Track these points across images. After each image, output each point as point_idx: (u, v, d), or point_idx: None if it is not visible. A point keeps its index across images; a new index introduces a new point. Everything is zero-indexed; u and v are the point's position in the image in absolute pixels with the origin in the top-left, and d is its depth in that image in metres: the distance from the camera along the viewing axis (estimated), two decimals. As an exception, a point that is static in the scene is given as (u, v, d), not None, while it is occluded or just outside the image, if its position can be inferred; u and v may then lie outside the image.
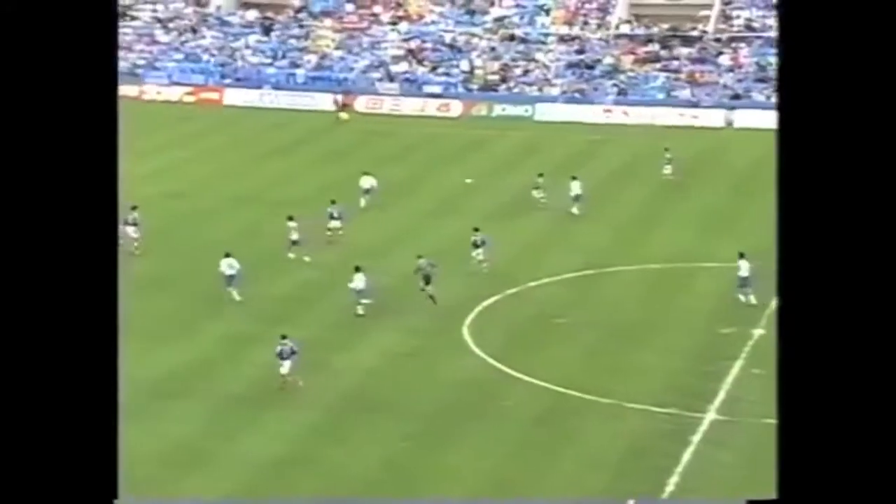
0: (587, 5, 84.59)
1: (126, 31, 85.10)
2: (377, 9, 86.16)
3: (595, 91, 77.12)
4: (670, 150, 58.34)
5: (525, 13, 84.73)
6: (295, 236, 45.58)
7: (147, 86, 79.37)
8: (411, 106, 76.27)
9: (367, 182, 53.77)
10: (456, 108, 76.02)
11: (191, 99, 78.61)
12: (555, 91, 77.49)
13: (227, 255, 41.72)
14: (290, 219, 45.99)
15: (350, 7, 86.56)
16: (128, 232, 44.44)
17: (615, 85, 77.66)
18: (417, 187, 56.94)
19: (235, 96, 78.45)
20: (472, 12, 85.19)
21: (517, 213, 52.28)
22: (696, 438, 31.49)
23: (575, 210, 51.68)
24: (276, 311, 40.35)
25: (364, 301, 40.05)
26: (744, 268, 40.58)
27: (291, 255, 45.50)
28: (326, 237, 47.34)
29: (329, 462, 30.55)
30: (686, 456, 30.60)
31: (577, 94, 77.09)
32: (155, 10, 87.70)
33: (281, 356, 34.32)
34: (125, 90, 78.32)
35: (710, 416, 32.90)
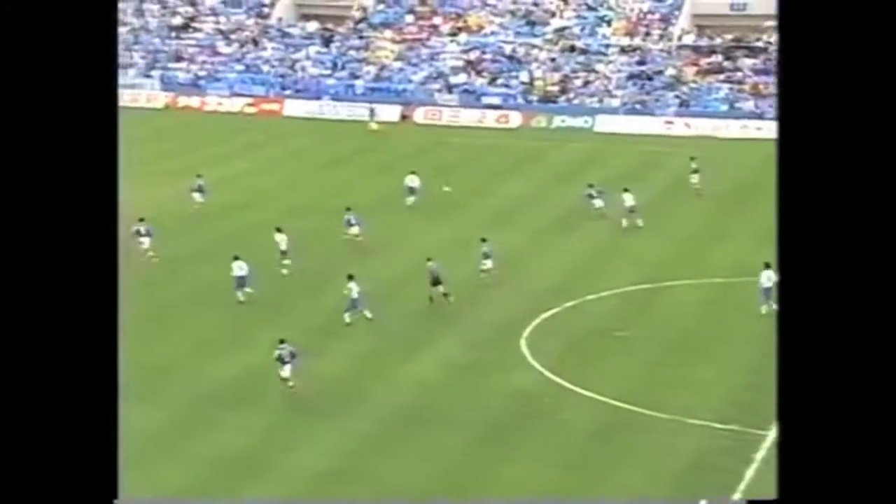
0: (649, 16, 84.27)
1: (189, 43, 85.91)
2: (437, 20, 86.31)
3: (656, 102, 76.78)
4: (697, 160, 57.61)
5: (586, 24, 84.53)
6: (283, 247, 45.37)
7: (209, 97, 79.98)
8: (470, 117, 76.28)
9: (412, 181, 54.36)
10: (515, 119, 75.95)
11: (251, 110, 79.14)
12: (615, 102, 77.22)
13: (237, 258, 42.21)
14: (279, 230, 45.81)
15: (410, 18, 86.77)
16: (141, 242, 45.58)
17: (677, 96, 77.28)
18: (474, 198, 56.93)
19: (295, 107, 78.83)
20: (532, 23, 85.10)
21: (574, 226, 52.15)
22: (758, 456, 31.11)
23: (627, 222, 51.45)
24: (331, 323, 40.44)
25: (355, 310, 39.98)
26: (766, 278, 40.21)
27: (285, 272, 45.05)
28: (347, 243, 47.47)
29: (384, 474, 30.54)
30: (749, 473, 30.27)
31: (637, 106, 76.79)
32: (217, 22, 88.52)
33: (281, 360, 34.86)
34: (188, 101, 79.09)
35: (774, 433, 32.45)
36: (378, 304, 41.44)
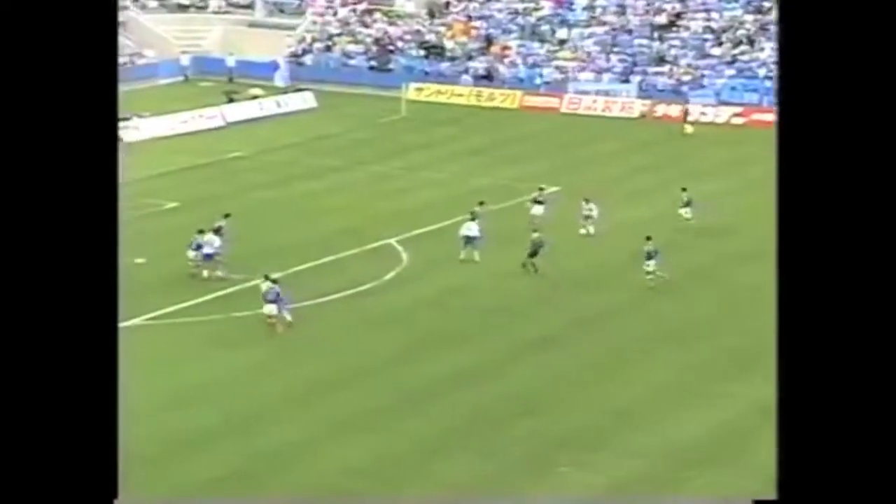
0: None
1: (673, 44, 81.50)
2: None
3: None
4: (688, 192, 51.57)
5: None
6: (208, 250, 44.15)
7: (691, 105, 75.19)
8: None
9: None
10: None
11: (739, 121, 73.70)
12: None
13: (267, 279, 40.46)
14: (215, 231, 44.38)
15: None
16: (214, 239, 44.85)
17: None
18: None
19: (791, 119, 72.84)
20: None
21: None
22: None
23: None
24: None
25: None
26: None
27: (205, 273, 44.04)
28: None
29: None
30: None
31: None
32: (708, 19, 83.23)
33: (265, 299, 38.94)
34: (667, 110, 74.73)
35: None
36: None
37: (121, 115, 72.41)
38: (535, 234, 46.01)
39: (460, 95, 78.95)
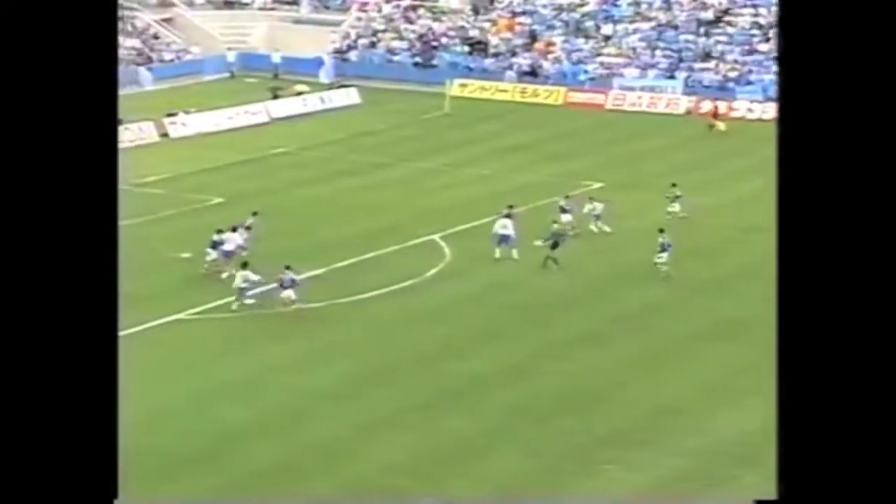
0: None
1: (720, 39, 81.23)
2: None
3: None
4: (678, 187, 51.48)
5: None
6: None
7: (737, 101, 74.97)
8: None
9: None
10: None
11: (786, 117, 73.43)
12: None
13: (244, 267, 41.38)
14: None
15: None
16: (234, 237, 44.75)
17: None
18: None
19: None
20: None
21: None
22: None
23: None
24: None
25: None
26: None
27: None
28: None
29: None
30: None
31: None
32: (756, 15, 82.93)
33: (282, 285, 40.57)
34: (711, 106, 74.45)
35: None
36: None
37: (167, 110, 72.92)
38: (555, 226, 46.71)
39: (504, 92, 79.00)
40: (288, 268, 41.03)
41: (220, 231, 44.37)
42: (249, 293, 40.99)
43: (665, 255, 44.57)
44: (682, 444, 32.16)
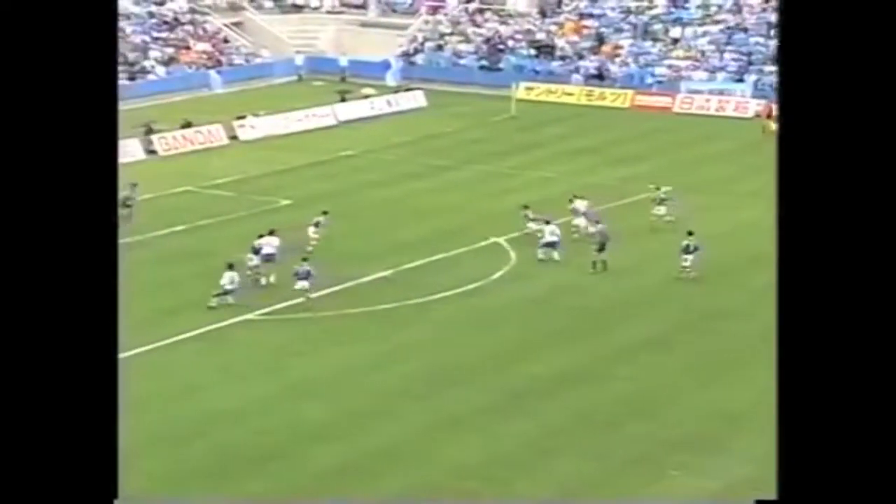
0: None
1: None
2: None
3: None
4: (666, 191, 51.34)
5: None
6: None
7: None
8: None
9: None
10: None
11: (855, 121, 73.13)
12: None
13: (231, 268, 41.70)
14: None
15: None
16: (308, 233, 46.81)
17: None
18: None
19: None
20: None
21: None
22: None
23: None
24: None
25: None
26: None
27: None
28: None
29: None
30: None
31: None
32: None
33: (297, 276, 41.70)
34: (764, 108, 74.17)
35: None
36: None
37: (237, 113, 73.26)
38: (599, 225, 46.61)
39: (570, 95, 79.10)
40: (304, 259, 42.38)
41: (261, 236, 44.69)
42: (233, 295, 41.27)
43: (691, 257, 44.50)
44: (750, 450, 32.06)
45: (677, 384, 36.36)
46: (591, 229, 47.93)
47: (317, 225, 47.44)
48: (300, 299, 41.73)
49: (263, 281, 43.42)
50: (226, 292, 41.42)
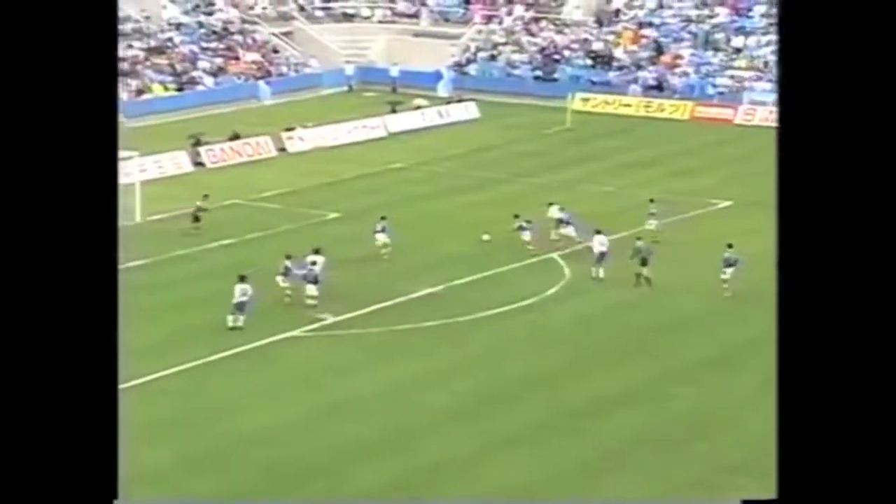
0: None
1: None
2: None
3: None
4: (655, 204, 51.21)
5: None
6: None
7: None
8: None
9: None
10: None
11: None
12: None
13: (243, 280, 41.37)
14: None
15: None
16: (377, 238, 48.29)
17: None
18: None
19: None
20: None
21: None
22: None
23: None
24: None
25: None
26: None
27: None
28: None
29: None
30: None
31: None
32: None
33: (306, 279, 42.69)
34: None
35: None
36: None
37: (286, 125, 73.71)
38: (639, 242, 46.74)
39: (628, 106, 78.99)
40: (314, 263, 42.99)
41: (289, 256, 44.32)
42: (248, 307, 41.07)
43: (731, 270, 44.45)
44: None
45: (739, 404, 36.14)
46: (569, 233, 49.56)
47: (384, 231, 48.34)
48: (346, 315, 41.76)
49: (311, 301, 43.36)
50: (239, 307, 41.01)
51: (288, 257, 44.04)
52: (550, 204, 52.08)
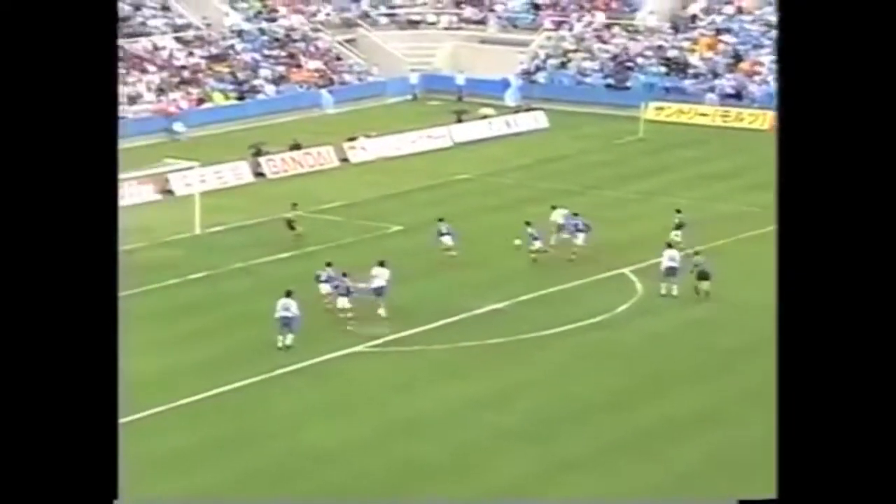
0: None
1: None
2: None
3: None
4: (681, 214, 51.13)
5: None
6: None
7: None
8: None
9: None
10: None
11: None
12: None
13: (288, 295, 40.83)
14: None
15: None
16: (442, 241, 49.06)
17: None
18: None
19: None
20: None
21: None
22: None
23: None
24: None
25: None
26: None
27: None
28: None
29: None
30: None
31: None
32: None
33: (318, 280, 43.00)
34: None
35: None
36: None
37: (348, 135, 73.97)
38: (697, 257, 46.40)
39: (704, 115, 78.28)
40: (345, 275, 42.72)
41: (329, 264, 44.19)
42: (295, 325, 40.60)
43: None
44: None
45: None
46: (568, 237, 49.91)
47: (448, 234, 48.79)
48: (409, 331, 41.40)
49: (382, 313, 43.02)
50: (285, 323, 40.56)
51: (328, 265, 43.95)
52: (554, 207, 51.59)
